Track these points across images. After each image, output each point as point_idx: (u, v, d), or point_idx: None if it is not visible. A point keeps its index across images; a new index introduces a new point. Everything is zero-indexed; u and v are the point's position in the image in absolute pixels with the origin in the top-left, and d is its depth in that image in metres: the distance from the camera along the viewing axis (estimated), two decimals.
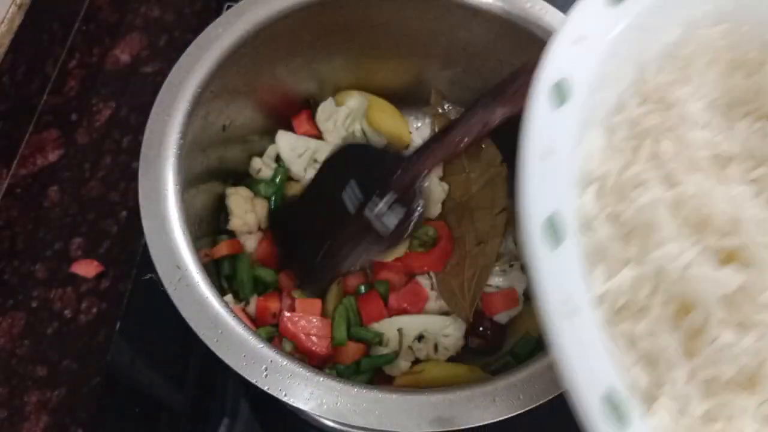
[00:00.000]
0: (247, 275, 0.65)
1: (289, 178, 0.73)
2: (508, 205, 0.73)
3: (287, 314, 0.61)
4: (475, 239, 0.70)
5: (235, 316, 0.49)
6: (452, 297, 0.67)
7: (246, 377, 0.46)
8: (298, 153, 0.72)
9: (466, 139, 0.59)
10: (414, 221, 0.60)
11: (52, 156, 0.85)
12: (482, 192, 0.73)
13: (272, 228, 0.68)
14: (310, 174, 0.72)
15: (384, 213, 0.60)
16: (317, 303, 0.63)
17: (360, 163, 0.62)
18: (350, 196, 0.62)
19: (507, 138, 0.72)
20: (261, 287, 0.66)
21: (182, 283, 0.49)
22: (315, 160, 0.73)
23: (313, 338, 0.60)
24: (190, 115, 0.56)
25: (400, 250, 0.68)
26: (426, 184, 0.61)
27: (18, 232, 0.80)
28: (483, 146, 0.76)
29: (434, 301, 0.67)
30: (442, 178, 0.76)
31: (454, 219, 0.72)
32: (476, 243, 0.69)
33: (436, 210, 0.71)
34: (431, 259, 0.67)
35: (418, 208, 0.60)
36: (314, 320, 0.61)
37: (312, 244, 0.64)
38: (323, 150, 0.73)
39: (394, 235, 0.60)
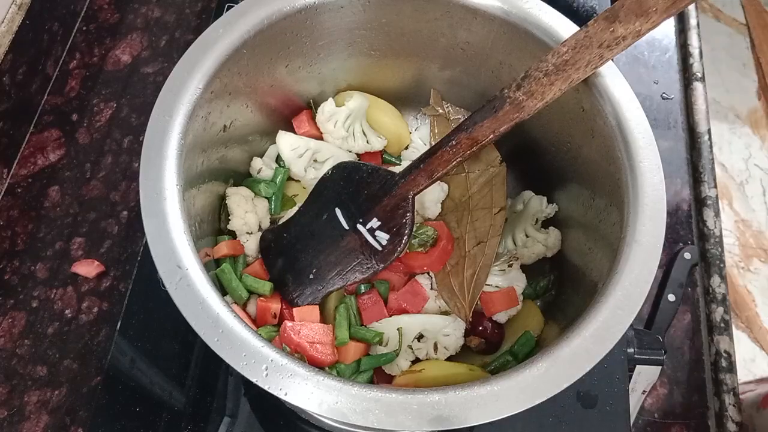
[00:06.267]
0: (235, 285, 0.64)
1: (289, 178, 0.73)
2: (507, 205, 0.73)
3: (288, 324, 0.60)
4: (475, 239, 0.70)
5: (236, 315, 0.49)
6: (452, 297, 0.67)
7: (247, 377, 0.46)
8: (299, 153, 0.72)
9: (456, 159, 0.60)
10: (406, 237, 0.60)
11: (53, 156, 0.85)
12: (481, 192, 0.73)
13: (262, 253, 0.68)
14: (311, 174, 0.72)
15: (376, 229, 0.61)
16: (315, 310, 0.63)
17: (352, 182, 0.63)
18: (344, 213, 0.63)
19: (505, 138, 0.72)
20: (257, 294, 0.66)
21: (183, 283, 0.49)
22: (315, 160, 0.73)
23: (318, 346, 0.60)
24: (191, 115, 0.56)
25: None
26: (411, 209, 0.62)
27: (18, 232, 0.80)
28: None
29: (434, 301, 0.68)
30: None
31: (454, 219, 0.72)
32: (475, 243, 0.70)
33: (435, 210, 0.71)
34: (431, 259, 0.68)
35: (408, 225, 0.60)
36: (315, 327, 0.61)
37: (304, 262, 0.64)
38: (324, 150, 0.73)
39: (386, 251, 0.61)
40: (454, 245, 0.70)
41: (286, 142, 0.72)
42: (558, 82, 0.57)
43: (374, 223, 0.61)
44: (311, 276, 0.64)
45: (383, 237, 0.61)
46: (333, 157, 0.73)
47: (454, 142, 0.60)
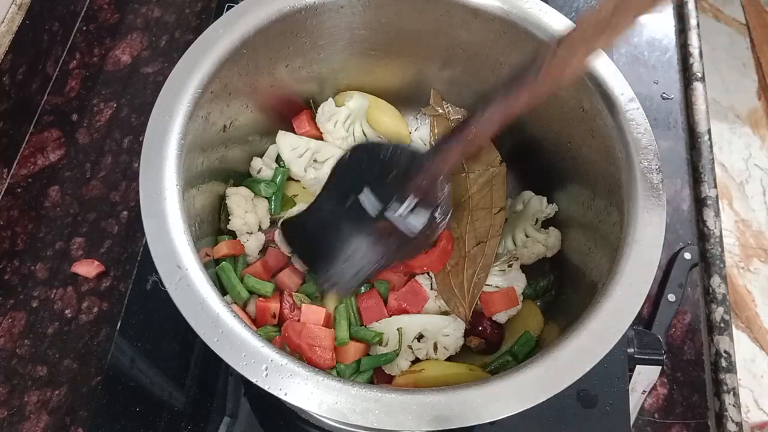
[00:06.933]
0: (235, 284, 0.64)
1: (289, 178, 0.73)
2: (507, 205, 0.73)
3: (290, 324, 0.60)
4: (475, 239, 0.70)
5: (236, 315, 0.49)
6: (452, 297, 0.67)
7: (247, 377, 0.46)
8: (299, 153, 0.72)
9: (488, 131, 0.54)
10: (442, 221, 0.57)
11: (53, 156, 0.85)
12: (481, 192, 0.73)
13: (287, 241, 0.66)
14: (311, 174, 0.72)
15: (408, 215, 0.57)
16: (320, 311, 0.63)
17: (374, 164, 0.59)
18: (368, 199, 0.59)
19: (505, 138, 0.72)
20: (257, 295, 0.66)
21: (183, 283, 0.49)
22: (315, 160, 0.73)
23: (317, 349, 0.60)
24: (191, 115, 0.56)
25: None
26: (448, 183, 0.57)
27: (18, 232, 0.80)
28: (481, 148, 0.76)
29: (434, 301, 0.68)
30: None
31: (454, 219, 0.72)
32: (475, 243, 0.70)
33: None
34: (431, 259, 0.68)
35: (444, 208, 0.56)
36: (317, 330, 0.61)
37: (333, 250, 0.62)
38: (324, 150, 0.73)
39: (421, 236, 0.58)
40: (454, 245, 0.70)
41: (286, 142, 0.72)
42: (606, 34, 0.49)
43: (404, 206, 0.57)
44: (343, 263, 0.61)
45: (416, 219, 0.57)
46: (333, 157, 0.73)
47: (483, 115, 0.53)
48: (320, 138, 0.75)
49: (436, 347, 0.65)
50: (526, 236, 0.72)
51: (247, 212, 0.68)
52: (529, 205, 0.73)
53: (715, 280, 0.82)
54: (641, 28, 1.01)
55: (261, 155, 0.74)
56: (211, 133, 0.63)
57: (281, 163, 0.73)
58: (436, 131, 0.78)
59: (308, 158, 0.72)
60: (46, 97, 0.89)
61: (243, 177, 0.73)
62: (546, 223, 0.73)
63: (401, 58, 0.73)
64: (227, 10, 0.62)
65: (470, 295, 0.67)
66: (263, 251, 0.70)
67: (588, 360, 0.49)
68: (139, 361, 0.70)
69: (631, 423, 0.69)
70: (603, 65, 0.61)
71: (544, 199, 0.73)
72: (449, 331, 0.65)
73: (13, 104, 0.83)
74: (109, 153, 0.86)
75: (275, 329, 0.63)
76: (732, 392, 0.76)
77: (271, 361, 0.47)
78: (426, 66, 0.74)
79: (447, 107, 0.78)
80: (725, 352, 0.78)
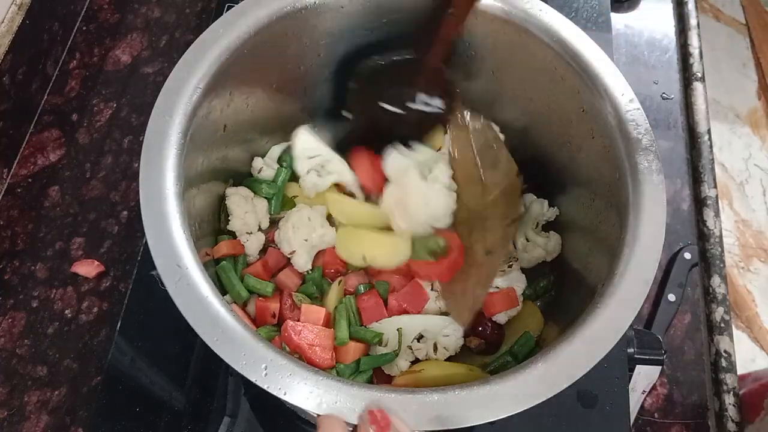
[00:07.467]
0: (235, 283, 0.64)
1: (290, 179, 0.73)
2: (520, 216, 0.72)
3: (290, 323, 0.60)
4: (483, 249, 0.69)
5: (235, 315, 0.49)
6: (453, 303, 0.67)
7: (246, 376, 0.46)
8: (309, 155, 0.70)
9: (462, 20, 0.63)
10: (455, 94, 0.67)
11: (53, 156, 0.85)
12: (496, 203, 0.72)
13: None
14: (312, 178, 0.70)
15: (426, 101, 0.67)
16: (321, 311, 0.63)
17: (382, 79, 0.67)
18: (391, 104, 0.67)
19: (505, 140, 0.72)
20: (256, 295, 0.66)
21: (183, 283, 0.49)
22: (322, 166, 0.71)
23: (317, 349, 0.59)
24: (191, 115, 0.56)
25: (405, 253, 0.67)
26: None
27: (18, 232, 0.80)
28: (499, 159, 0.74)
29: (434, 302, 0.67)
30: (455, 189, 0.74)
31: (466, 228, 0.71)
32: (484, 253, 0.69)
33: (446, 220, 0.70)
34: (440, 270, 0.66)
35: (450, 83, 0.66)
36: (316, 330, 0.61)
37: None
38: (333, 162, 0.70)
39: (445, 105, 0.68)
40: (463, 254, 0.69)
41: (303, 141, 0.69)
42: None
43: (421, 98, 0.67)
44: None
45: (435, 102, 0.67)
46: (337, 173, 0.71)
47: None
48: (380, 189, 0.70)
49: (435, 347, 0.65)
50: (527, 240, 0.72)
51: (247, 212, 0.68)
52: (531, 209, 0.73)
53: (715, 280, 0.82)
54: (641, 28, 1.01)
55: (262, 155, 0.74)
56: (211, 133, 0.63)
57: (283, 163, 0.73)
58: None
59: (316, 163, 0.71)
60: (46, 97, 0.89)
61: (243, 177, 0.73)
62: (546, 226, 0.73)
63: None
64: (227, 10, 0.62)
65: (472, 304, 0.66)
66: (263, 251, 0.70)
67: (588, 360, 0.49)
68: (139, 361, 0.70)
69: (631, 423, 0.69)
70: (603, 65, 0.61)
71: (545, 202, 0.73)
72: (449, 332, 0.65)
73: (13, 104, 0.83)
74: (109, 153, 0.86)
75: (275, 329, 0.63)
76: (732, 392, 0.76)
77: (271, 360, 0.47)
78: None
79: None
80: (725, 352, 0.78)
